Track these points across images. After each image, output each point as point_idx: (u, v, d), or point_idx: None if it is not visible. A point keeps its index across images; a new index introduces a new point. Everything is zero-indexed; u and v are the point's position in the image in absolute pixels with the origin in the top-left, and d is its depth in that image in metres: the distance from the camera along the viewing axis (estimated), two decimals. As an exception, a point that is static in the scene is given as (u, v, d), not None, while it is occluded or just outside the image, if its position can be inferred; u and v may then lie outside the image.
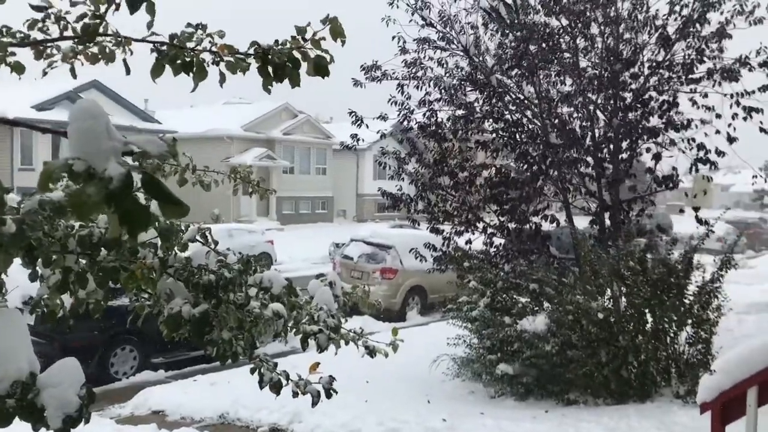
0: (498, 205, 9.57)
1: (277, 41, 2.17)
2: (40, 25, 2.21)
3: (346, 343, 2.96)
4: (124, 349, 10.09)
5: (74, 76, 2.41)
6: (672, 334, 7.76)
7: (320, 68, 2.17)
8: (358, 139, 9.61)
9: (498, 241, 9.79)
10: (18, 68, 2.17)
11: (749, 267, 25.48)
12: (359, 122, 9.32)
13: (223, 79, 2.17)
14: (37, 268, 2.44)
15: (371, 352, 2.91)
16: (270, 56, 2.12)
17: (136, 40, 2.18)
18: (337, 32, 2.17)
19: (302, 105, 41.87)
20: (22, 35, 2.18)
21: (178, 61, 2.07)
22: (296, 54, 2.14)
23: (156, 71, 2.09)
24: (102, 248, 2.48)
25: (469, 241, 9.66)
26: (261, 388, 2.62)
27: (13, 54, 2.16)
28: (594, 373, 7.39)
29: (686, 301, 7.73)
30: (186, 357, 10.43)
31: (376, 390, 8.20)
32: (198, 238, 2.88)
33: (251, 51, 2.13)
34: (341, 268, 15.88)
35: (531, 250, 9.34)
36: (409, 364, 8.97)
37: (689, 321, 7.73)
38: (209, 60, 2.15)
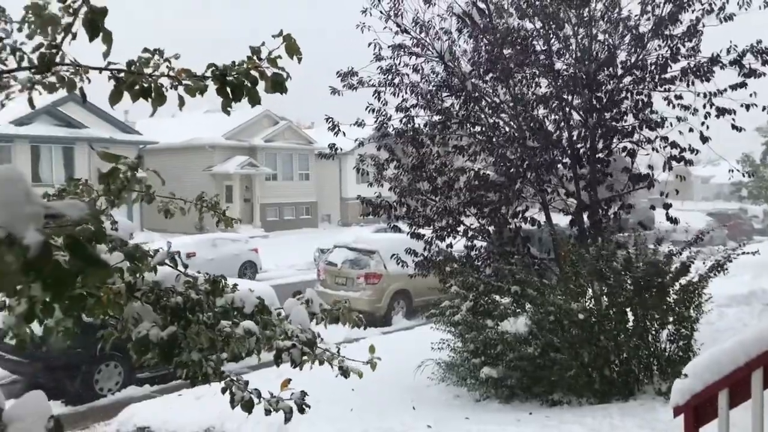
0: (478, 209, 9.61)
1: (234, 62, 2.19)
2: (-4, 56, 2.22)
3: (321, 364, 2.96)
4: (109, 365, 10.03)
5: (32, 106, 2.41)
6: (653, 332, 7.83)
7: (278, 85, 2.19)
8: (336, 149, 9.63)
9: (479, 244, 9.84)
10: (-25, 99, 2.18)
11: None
12: (336, 130, 9.35)
13: (182, 102, 2.18)
14: (3, 298, 2.43)
15: (345, 372, 2.92)
16: (227, 77, 2.13)
17: (94, 69, 2.19)
18: (293, 49, 2.19)
19: (283, 111, 41.84)
20: (-23, 68, 2.18)
21: (137, 87, 2.08)
22: (253, 73, 2.16)
23: (114, 98, 2.10)
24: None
25: (450, 245, 9.70)
26: (232, 407, 2.63)
27: (-31, 87, 2.17)
28: (578, 374, 7.44)
29: (669, 299, 7.79)
30: (172, 371, 10.37)
31: (362, 398, 8.20)
32: (167, 261, 2.87)
33: (209, 73, 2.15)
34: (326, 274, 15.88)
35: (511, 252, 9.39)
36: (395, 369, 8.98)
37: (671, 319, 7.80)
38: (167, 84, 2.16)
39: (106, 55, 2.04)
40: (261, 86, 2.30)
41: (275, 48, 2.26)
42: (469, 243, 9.75)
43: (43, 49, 2.10)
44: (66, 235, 1.03)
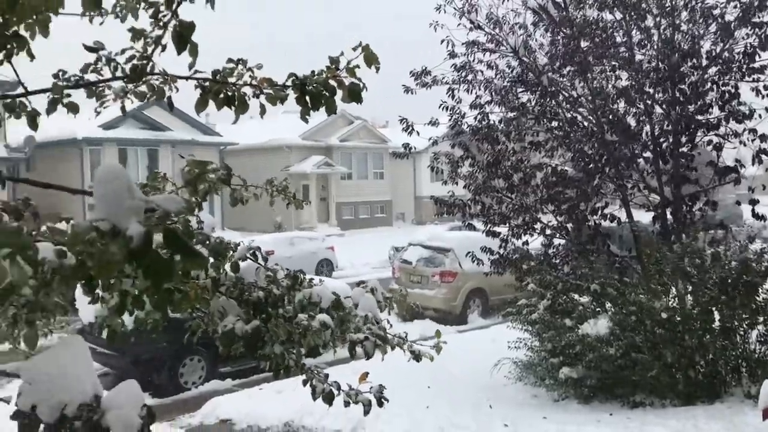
0: (555, 206, 9.46)
1: (313, 72, 2.26)
2: (92, 67, 2.36)
3: (392, 348, 3.01)
4: (193, 359, 10.39)
5: (124, 113, 2.55)
6: (742, 333, 7.52)
7: (354, 95, 2.25)
8: (410, 148, 9.67)
9: (557, 241, 9.68)
10: (72, 108, 2.33)
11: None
12: (410, 129, 9.38)
13: (263, 110, 2.27)
14: (97, 291, 2.58)
15: (416, 357, 2.97)
16: (307, 86, 2.20)
17: (182, 78, 2.30)
18: (370, 59, 2.24)
19: (358, 110, 42.18)
20: (76, 78, 2.33)
21: (221, 96, 2.18)
22: (332, 83, 2.22)
23: (200, 106, 2.21)
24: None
25: (526, 243, 9.59)
26: (314, 399, 2.71)
27: (68, 95, 2.32)
28: (660, 375, 7.23)
29: (758, 299, 7.47)
30: (252, 366, 10.66)
31: (437, 394, 8.22)
32: (248, 256, 2.99)
33: (289, 82, 2.22)
34: (400, 272, 15.94)
35: (591, 250, 9.19)
36: (471, 367, 8.98)
37: (761, 319, 7.47)
38: (250, 93, 2.25)
39: (191, 66, 2.14)
40: (338, 95, 2.36)
41: (353, 58, 2.32)
42: (547, 241, 9.60)
43: (135, 60, 2.23)
44: (164, 228, 1.11)
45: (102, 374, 10.41)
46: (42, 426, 1.90)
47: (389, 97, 10.15)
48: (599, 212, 9.38)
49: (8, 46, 1.95)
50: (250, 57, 2.38)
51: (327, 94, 2.20)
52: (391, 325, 3.06)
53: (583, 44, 9.03)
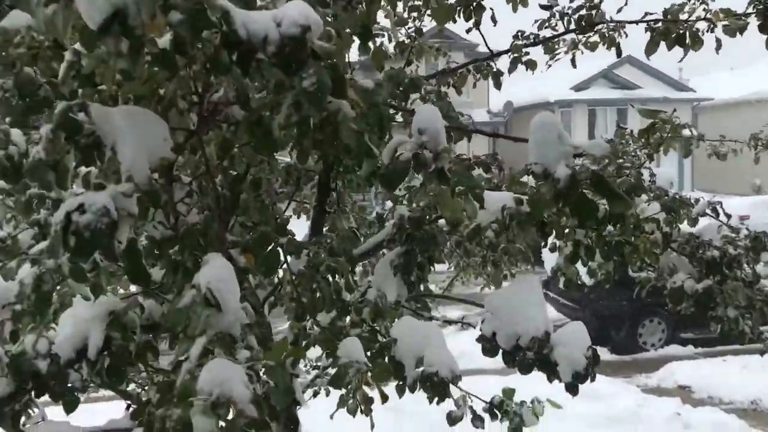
0: None
1: (782, -4, 1.99)
2: (546, 24, 2.50)
3: None
4: (652, 321, 10.20)
5: (574, 65, 2.62)
6: None
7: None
8: None
9: None
10: (531, 65, 2.50)
11: None
12: None
13: (719, 45, 2.09)
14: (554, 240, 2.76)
15: None
16: (774, 12, 1.95)
17: (630, 23, 2.27)
18: None
19: None
20: (533, 35, 2.50)
21: (673, 36, 2.08)
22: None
23: (650, 49, 2.15)
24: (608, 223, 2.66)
25: None
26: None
27: (527, 53, 2.51)
28: None
29: None
30: (716, 336, 9.94)
31: None
32: (708, 212, 2.83)
33: (750, 9, 2.00)
34: None
35: None
36: None
37: None
38: (704, 28, 2.10)
39: (619, 10, 2.11)
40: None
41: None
42: None
43: (583, 11, 2.28)
44: (592, 172, 1.17)
45: (562, 325, 11.02)
46: (500, 351, 2.18)
47: None
48: None
49: (474, 16, 2.20)
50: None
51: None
52: None
53: None
